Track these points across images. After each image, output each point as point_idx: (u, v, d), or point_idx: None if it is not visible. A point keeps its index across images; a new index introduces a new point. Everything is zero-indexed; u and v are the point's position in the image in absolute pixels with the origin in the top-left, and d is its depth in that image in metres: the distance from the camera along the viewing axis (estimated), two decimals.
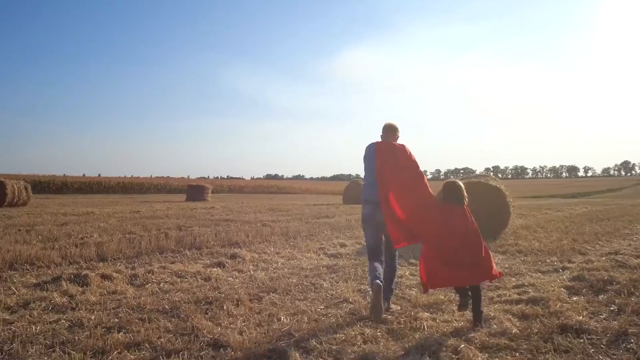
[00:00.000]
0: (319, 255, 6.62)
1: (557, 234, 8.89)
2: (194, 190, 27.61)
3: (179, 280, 4.90)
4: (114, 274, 4.98)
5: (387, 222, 3.56)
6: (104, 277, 4.88)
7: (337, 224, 10.50)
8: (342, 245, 7.46)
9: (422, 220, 3.54)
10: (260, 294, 4.31)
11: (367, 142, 3.98)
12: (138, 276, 4.97)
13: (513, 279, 5.07)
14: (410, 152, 3.79)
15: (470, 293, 3.45)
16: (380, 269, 3.60)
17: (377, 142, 3.89)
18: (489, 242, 5.70)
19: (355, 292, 4.41)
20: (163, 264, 5.63)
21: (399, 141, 3.96)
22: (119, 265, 5.68)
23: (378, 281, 3.41)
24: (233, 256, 6.15)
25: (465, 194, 3.66)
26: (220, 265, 5.65)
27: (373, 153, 3.77)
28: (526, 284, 4.71)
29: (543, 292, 4.26)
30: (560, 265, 5.73)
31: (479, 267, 3.41)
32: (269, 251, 6.76)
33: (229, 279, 4.98)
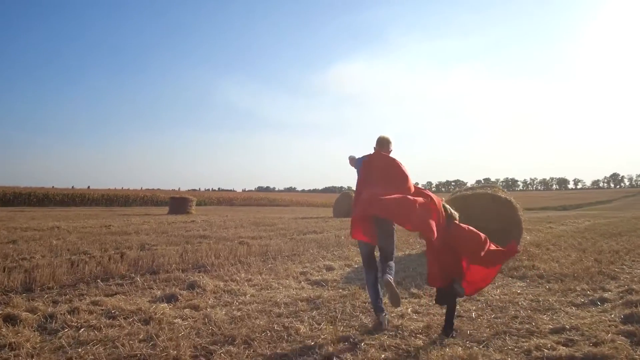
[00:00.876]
0: (300, 282, 5.43)
1: (574, 252, 7.82)
2: (177, 202, 26.18)
3: (108, 323, 3.67)
4: (23, 315, 3.74)
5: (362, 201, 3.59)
6: (7, 318, 3.65)
7: (324, 241, 9.32)
8: (329, 269, 6.29)
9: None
10: (212, 347, 3.12)
11: (360, 154, 4.02)
12: (55, 317, 3.75)
13: (545, 316, 3.94)
14: (400, 164, 3.77)
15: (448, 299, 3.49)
16: (378, 289, 3.69)
17: (370, 154, 3.93)
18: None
19: (342, 342, 3.24)
20: (98, 298, 4.40)
21: (392, 154, 3.96)
22: (43, 299, 4.44)
23: (381, 313, 3.58)
24: (192, 285, 4.93)
25: (453, 211, 3.73)
26: (171, 298, 4.44)
27: (365, 164, 3.83)
28: (567, 326, 3.58)
29: (596, 343, 3.14)
30: (597, 296, 4.64)
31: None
32: (239, 277, 5.55)
33: (176, 320, 3.77)
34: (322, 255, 7.65)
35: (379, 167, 3.76)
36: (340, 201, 22.31)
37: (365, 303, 4.28)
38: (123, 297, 4.55)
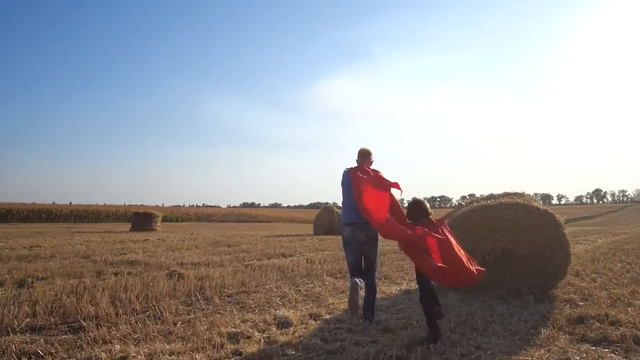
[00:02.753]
0: (224, 357, 3.01)
1: (629, 286, 5.58)
2: (140, 218, 23.36)
3: None
4: None
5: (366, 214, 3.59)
6: None
7: (291, 270, 6.89)
8: (283, 324, 3.87)
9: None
10: None
11: (344, 168, 4.10)
12: None
13: None
14: (382, 175, 3.82)
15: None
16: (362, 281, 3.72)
17: (352, 167, 3.98)
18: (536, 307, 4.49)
19: None
20: None
21: (373, 166, 4.06)
22: None
23: (356, 280, 3.61)
24: None
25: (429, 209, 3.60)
26: None
27: (348, 177, 3.88)
28: None
29: None
30: None
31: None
32: (115, 349, 3.11)
33: None
34: (281, 293, 5.25)
35: (366, 178, 3.76)
36: (321, 217, 19.89)
37: None
38: None
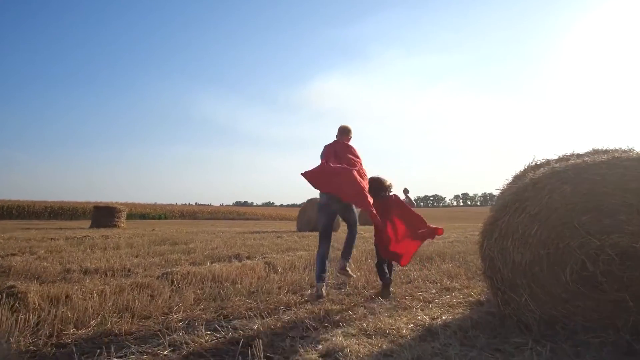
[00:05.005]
0: None
1: None
2: (101, 213, 20.49)
3: None
4: None
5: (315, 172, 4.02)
6: None
7: (231, 283, 4.24)
8: None
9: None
10: None
11: None
12: None
13: None
14: (355, 149, 4.29)
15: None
16: (326, 263, 4.07)
17: (331, 142, 4.32)
18: None
19: None
20: None
21: (351, 142, 4.41)
22: None
23: (320, 283, 3.89)
24: None
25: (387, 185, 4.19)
26: None
27: (327, 149, 4.23)
28: None
29: None
30: None
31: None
32: None
33: None
34: (194, 338, 2.58)
35: (337, 150, 4.18)
36: (305, 211, 17.18)
37: None
38: None
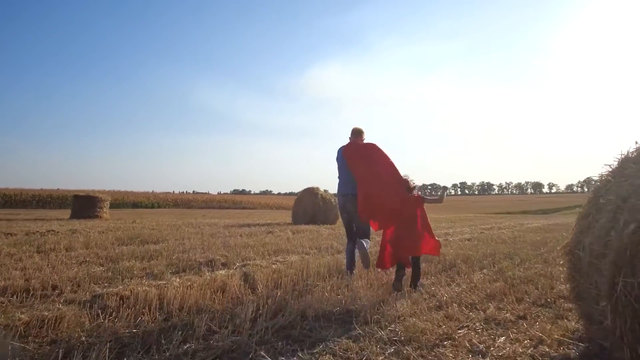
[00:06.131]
0: None
1: None
2: (81, 203, 19.08)
3: None
4: None
5: (359, 202, 4.07)
6: None
7: (178, 323, 2.90)
8: None
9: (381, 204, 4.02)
10: None
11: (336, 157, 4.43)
12: None
13: None
14: (379, 147, 4.18)
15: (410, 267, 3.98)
16: (355, 256, 4.33)
17: (345, 144, 4.36)
18: None
19: None
20: None
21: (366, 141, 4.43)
22: None
23: (361, 241, 4.19)
24: None
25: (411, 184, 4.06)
26: None
27: (341, 154, 4.30)
28: None
29: None
30: None
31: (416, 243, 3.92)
32: None
33: None
34: None
35: (362, 155, 4.19)
36: (301, 201, 15.80)
37: None
38: None
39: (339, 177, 4.41)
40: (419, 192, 4.17)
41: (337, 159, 4.37)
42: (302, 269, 4.43)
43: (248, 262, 5.10)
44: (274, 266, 4.81)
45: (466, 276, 4.50)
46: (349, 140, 4.40)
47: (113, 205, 45.52)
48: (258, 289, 3.71)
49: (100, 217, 18.92)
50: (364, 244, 4.18)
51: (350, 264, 4.30)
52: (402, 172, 4.10)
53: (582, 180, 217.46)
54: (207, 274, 4.39)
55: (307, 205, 15.27)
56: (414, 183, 4.05)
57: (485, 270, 4.87)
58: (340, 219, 15.89)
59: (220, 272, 4.48)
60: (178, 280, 3.96)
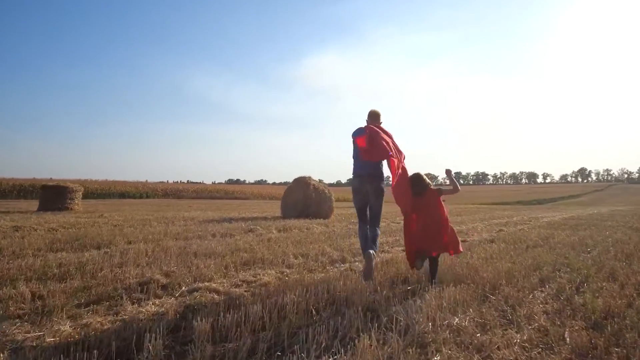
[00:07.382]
0: None
1: None
2: (50, 194, 17.38)
3: None
4: None
5: (394, 175, 3.84)
6: None
7: None
8: None
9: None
10: None
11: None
12: None
13: None
14: (391, 135, 4.16)
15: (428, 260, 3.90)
16: (368, 232, 4.10)
17: (364, 125, 4.19)
18: None
19: None
20: None
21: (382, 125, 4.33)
22: None
23: (370, 251, 3.90)
24: None
25: (427, 181, 4.09)
26: None
27: (362, 133, 4.02)
28: None
29: None
30: None
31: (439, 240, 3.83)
32: None
33: None
34: None
35: (389, 135, 4.11)
36: (291, 192, 14.23)
37: None
38: None
39: (354, 157, 4.23)
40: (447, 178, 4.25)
41: (356, 139, 4.07)
42: (275, 301, 2.90)
43: (200, 284, 3.53)
44: (236, 291, 3.28)
45: (522, 309, 2.99)
46: (366, 123, 4.27)
47: (100, 195, 43.60)
48: (196, 342, 2.18)
49: (71, 208, 17.27)
50: (373, 253, 3.93)
51: (366, 245, 4.07)
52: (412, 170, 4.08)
53: (576, 170, 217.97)
54: (129, 307, 2.85)
55: (298, 197, 13.70)
56: (427, 181, 4.08)
57: (542, 296, 3.37)
58: (334, 214, 14.48)
59: (154, 300, 2.94)
60: (84, 319, 2.40)
